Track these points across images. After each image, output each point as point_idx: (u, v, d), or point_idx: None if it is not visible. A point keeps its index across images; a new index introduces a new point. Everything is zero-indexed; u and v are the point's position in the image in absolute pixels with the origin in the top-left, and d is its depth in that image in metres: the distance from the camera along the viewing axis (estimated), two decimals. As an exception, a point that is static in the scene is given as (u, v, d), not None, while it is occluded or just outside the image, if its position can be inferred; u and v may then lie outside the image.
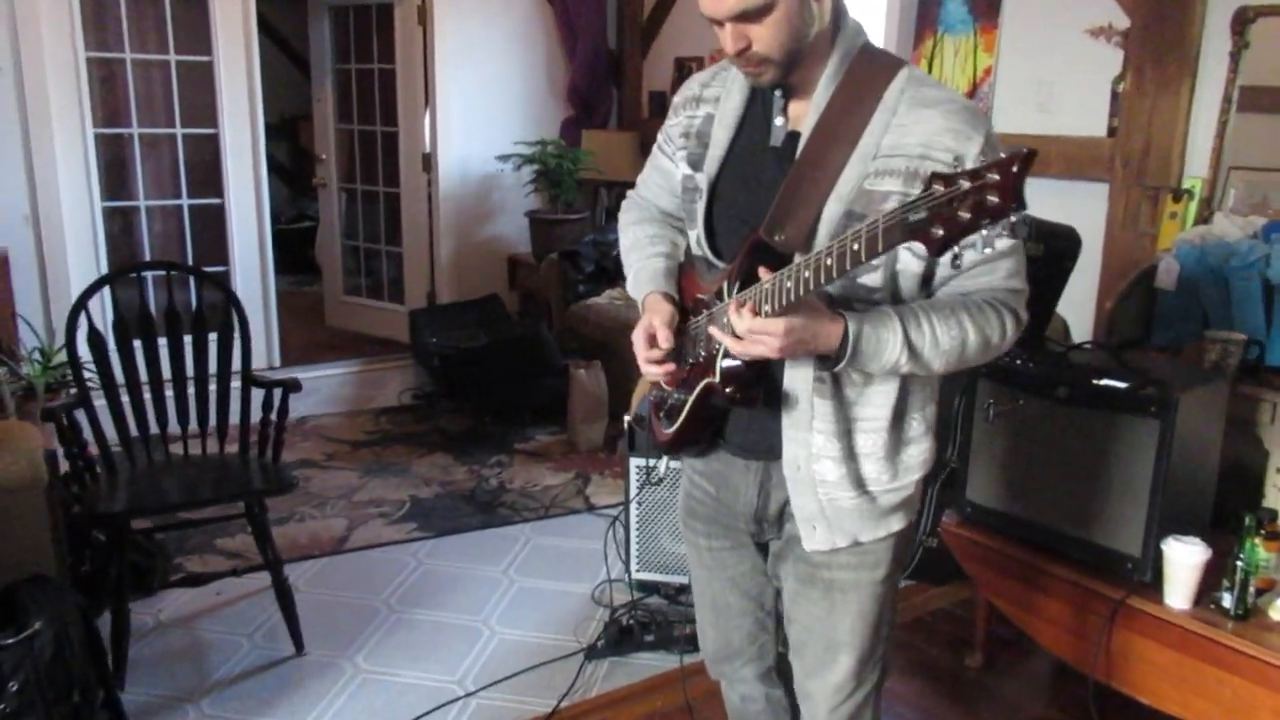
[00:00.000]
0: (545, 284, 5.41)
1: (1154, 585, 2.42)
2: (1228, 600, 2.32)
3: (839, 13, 1.51)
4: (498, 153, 5.63)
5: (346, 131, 6.02)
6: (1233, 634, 2.27)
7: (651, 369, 1.62)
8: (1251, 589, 2.31)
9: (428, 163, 5.63)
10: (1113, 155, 3.60)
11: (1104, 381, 2.53)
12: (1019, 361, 2.71)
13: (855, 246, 1.23)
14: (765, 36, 1.42)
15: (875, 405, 1.55)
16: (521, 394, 4.86)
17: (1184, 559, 2.35)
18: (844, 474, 1.55)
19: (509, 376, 4.85)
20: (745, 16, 1.41)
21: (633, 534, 3.23)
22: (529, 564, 3.55)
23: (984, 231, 1.10)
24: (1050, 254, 2.89)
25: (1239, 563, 2.31)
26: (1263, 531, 2.38)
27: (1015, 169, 1.06)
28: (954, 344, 1.44)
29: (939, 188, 1.12)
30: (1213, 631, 2.30)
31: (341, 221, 6.16)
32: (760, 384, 1.52)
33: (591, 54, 5.85)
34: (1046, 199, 3.72)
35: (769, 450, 1.60)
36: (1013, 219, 1.08)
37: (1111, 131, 3.64)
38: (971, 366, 1.51)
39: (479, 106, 5.66)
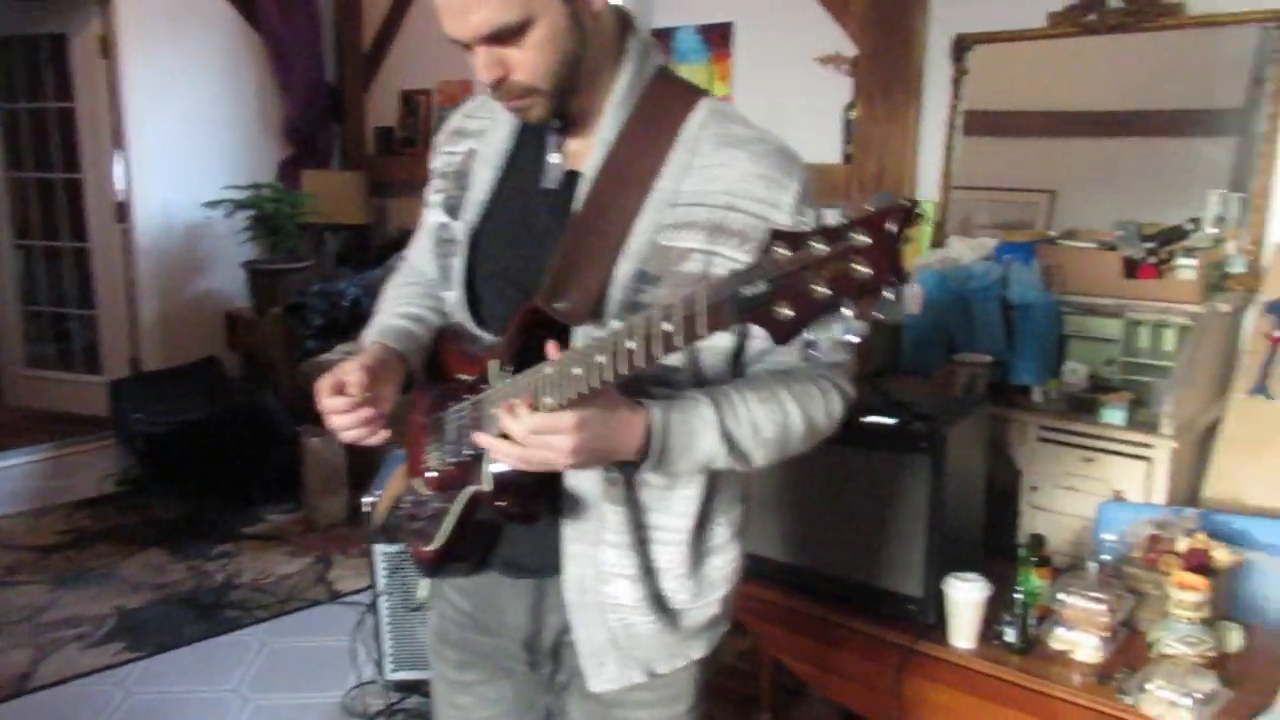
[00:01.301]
0: (269, 341, 4.89)
1: (939, 627, 2.34)
2: (1010, 634, 2.26)
3: (625, 26, 1.23)
4: (205, 198, 5.04)
5: (18, 180, 5.24)
6: (1017, 669, 2.21)
7: (337, 421, 1.24)
8: (1031, 620, 2.27)
9: (122, 212, 4.99)
10: (849, 181, 3.61)
11: (872, 419, 2.43)
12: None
13: (666, 328, 0.94)
14: (526, 62, 1.14)
15: (677, 512, 1.28)
16: (247, 470, 4.31)
17: (965, 597, 2.28)
18: (643, 595, 1.27)
19: (231, 451, 4.29)
20: (498, 38, 1.12)
21: (384, 627, 2.85)
22: (266, 675, 3.07)
23: (847, 311, 0.83)
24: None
25: (1017, 594, 2.26)
26: (1035, 559, 2.36)
27: (892, 228, 0.81)
28: (777, 431, 1.20)
29: (783, 252, 0.85)
30: (998, 669, 2.24)
31: (19, 283, 5.34)
32: (543, 494, 1.22)
33: (307, 87, 5.39)
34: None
35: (544, 567, 1.30)
36: (889, 295, 0.82)
37: (847, 158, 3.66)
38: (794, 455, 1.26)
39: (180, 147, 5.07)
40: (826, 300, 0.83)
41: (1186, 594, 2.14)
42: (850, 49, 3.58)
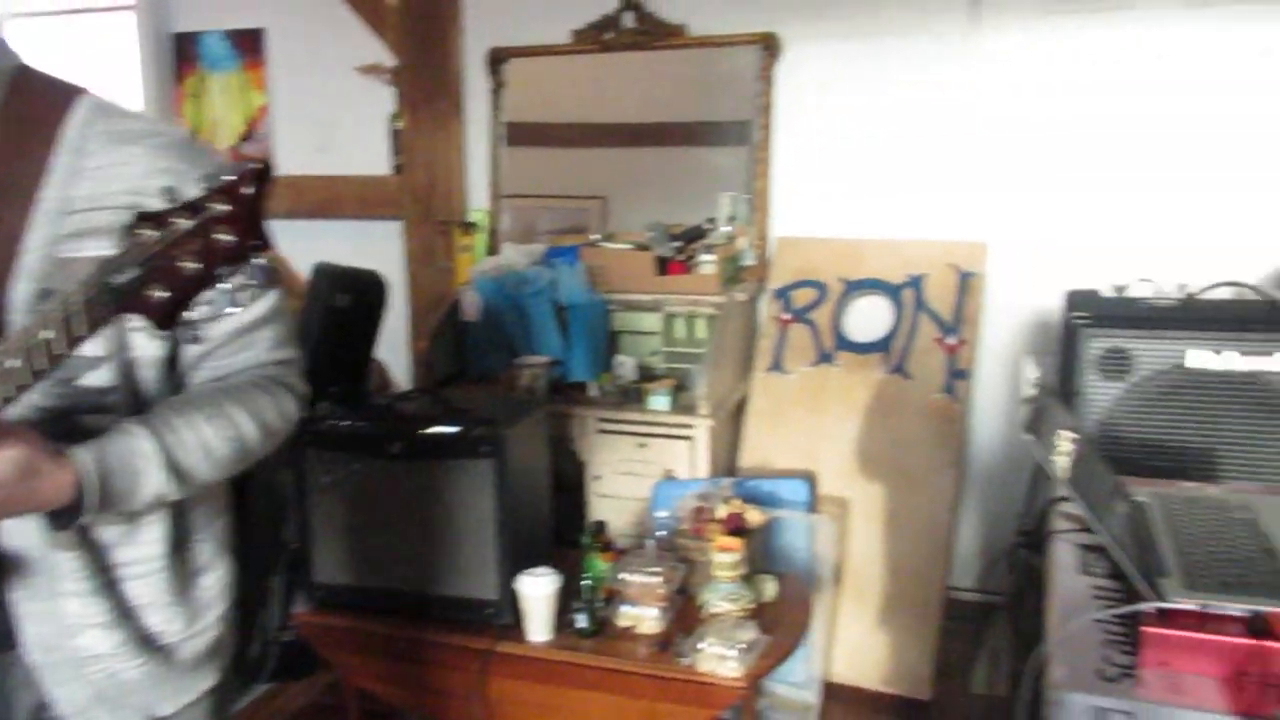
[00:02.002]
0: None
1: (517, 625, 2.39)
2: (582, 620, 2.36)
3: None
4: None
5: None
6: (591, 652, 2.31)
7: None
8: (599, 603, 2.38)
9: None
10: (401, 193, 3.57)
11: (434, 430, 2.42)
12: (345, 422, 2.49)
13: (48, 335, 0.87)
14: None
15: (146, 541, 1.16)
16: None
17: (536, 592, 2.34)
18: (122, 640, 1.15)
19: None
20: None
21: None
22: None
23: (225, 285, 0.84)
24: (360, 302, 2.73)
25: (585, 581, 2.37)
26: (598, 544, 2.48)
27: (248, 191, 0.83)
28: (230, 446, 1.13)
29: (148, 233, 0.83)
30: (573, 655, 2.32)
31: None
32: None
33: None
34: (340, 242, 3.60)
35: None
36: (256, 261, 0.84)
37: (398, 169, 3.62)
38: (256, 460, 1.21)
39: None
40: (197, 274, 0.84)
41: (725, 555, 2.36)
42: (390, 59, 3.55)
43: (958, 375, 2.94)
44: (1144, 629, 1.11)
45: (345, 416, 2.50)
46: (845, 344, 3.08)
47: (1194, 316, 2.13)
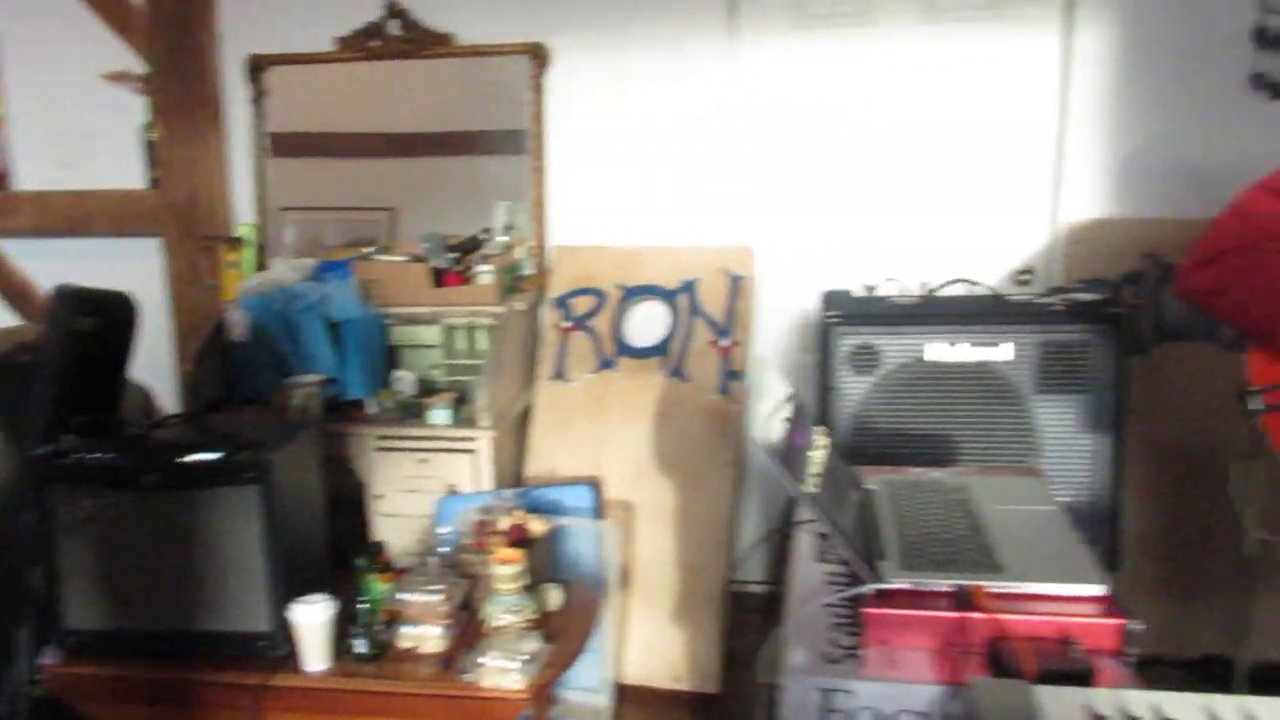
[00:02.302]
0: None
1: (292, 656, 2.29)
2: (361, 645, 2.29)
3: None
4: None
5: None
6: (372, 677, 2.25)
7: None
8: (379, 626, 2.32)
9: None
10: (159, 208, 3.37)
11: (194, 457, 2.29)
12: (94, 455, 2.32)
13: None
14: None
15: None
16: None
17: (310, 620, 2.25)
18: None
19: None
20: None
21: None
22: None
23: None
24: (106, 326, 2.55)
25: (362, 604, 2.30)
26: (376, 565, 2.42)
27: None
28: None
29: None
30: (353, 682, 2.25)
31: None
32: None
33: None
34: (94, 261, 3.37)
35: None
36: None
37: (154, 183, 3.41)
38: None
39: None
40: None
41: (506, 568, 2.34)
42: (139, 65, 3.34)
43: (732, 376, 3.04)
44: (864, 610, 1.18)
45: (94, 448, 2.33)
46: (625, 349, 3.13)
47: (931, 313, 2.29)
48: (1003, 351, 2.20)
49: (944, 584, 1.19)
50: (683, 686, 2.95)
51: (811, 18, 3.04)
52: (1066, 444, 2.22)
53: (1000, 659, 1.10)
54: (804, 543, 1.46)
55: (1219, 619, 2.73)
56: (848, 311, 2.32)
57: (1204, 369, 2.87)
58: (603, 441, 3.09)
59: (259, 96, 3.31)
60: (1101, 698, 0.96)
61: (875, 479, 1.56)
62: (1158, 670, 2.92)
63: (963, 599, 1.16)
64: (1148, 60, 2.87)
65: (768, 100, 3.11)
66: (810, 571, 1.37)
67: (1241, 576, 2.60)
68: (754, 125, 3.13)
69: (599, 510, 3.00)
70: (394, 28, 3.16)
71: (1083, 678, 1.07)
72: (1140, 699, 0.95)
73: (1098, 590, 1.16)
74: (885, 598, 1.19)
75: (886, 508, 1.42)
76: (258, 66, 3.29)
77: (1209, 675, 2.75)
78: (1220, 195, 2.87)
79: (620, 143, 3.18)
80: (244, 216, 3.41)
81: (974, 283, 2.52)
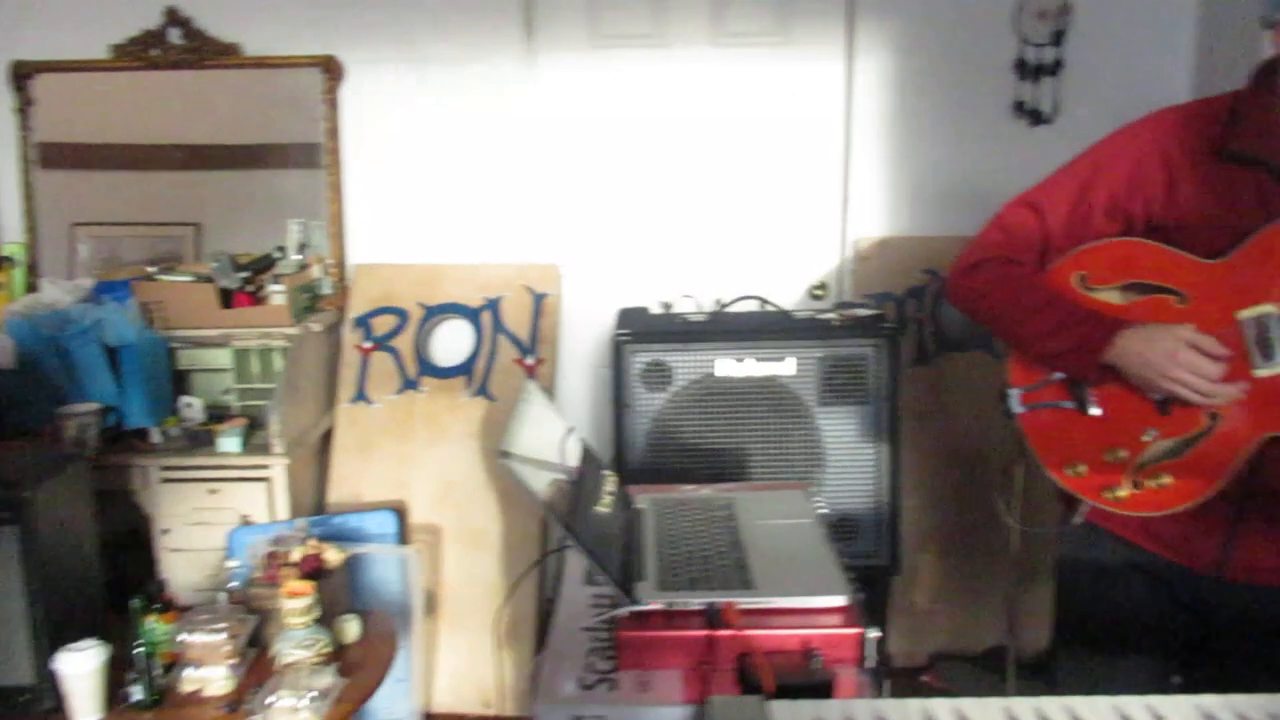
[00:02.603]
0: None
1: (59, 709, 2.12)
2: (138, 692, 2.15)
3: None
4: None
5: None
6: (150, 726, 2.12)
7: None
8: (158, 670, 2.19)
9: None
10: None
11: (-62, 499, 2.10)
12: None
13: None
14: None
15: None
16: None
17: (77, 669, 2.10)
18: None
19: None
20: None
21: None
22: None
23: None
24: None
25: (139, 648, 2.16)
26: (156, 605, 2.28)
27: None
28: None
29: None
30: (129, 732, 2.11)
31: None
32: None
33: None
34: None
35: None
36: None
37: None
38: None
39: None
40: None
41: (296, 601, 2.25)
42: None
43: (538, 393, 3.03)
44: (618, 634, 1.19)
45: None
46: (429, 369, 3.08)
47: (721, 329, 2.35)
48: (787, 366, 2.27)
49: (696, 603, 1.21)
50: (493, 712, 2.91)
51: (607, 37, 3.07)
52: (849, 453, 2.31)
53: (746, 675, 1.12)
54: (574, 565, 1.46)
55: (1003, 613, 2.90)
56: (639, 329, 2.35)
57: (981, 377, 3.06)
58: (408, 464, 3.02)
59: (25, 106, 3.08)
60: (831, 709, 0.99)
61: (644, 498, 1.57)
62: (949, 665, 3.08)
63: (713, 617, 1.18)
64: (922, 88, 3.03)
65: (566, 117, 3.12)
66: (577, 594, 1.36)
67: (1012, 571, 2.77)
68: (553, 142, 3.13)
69: (403, 535, 2.93)
70: (175, 36, 3.00)
71: (822, 689, 1.11)
72: (864, 707, 0.98)
73: (839, 601, 1.21)
74: (640, 619, 1.20)
75: (651, 527, 1.44)
76: (23, 74, 3.06)
77: (997, 668, 2.91)
78: (993, 213, 3.08)
79: (420, 158, 3.12)
80: (11, 235, 3.16)
81: (763, 299, 2.59)
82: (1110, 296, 1.52)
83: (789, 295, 3.16)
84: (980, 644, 3.06)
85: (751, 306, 2.59)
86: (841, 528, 2.34)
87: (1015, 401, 1.62)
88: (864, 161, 3.09)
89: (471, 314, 3.09)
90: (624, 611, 1.20)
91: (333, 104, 3.06)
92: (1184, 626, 1.57)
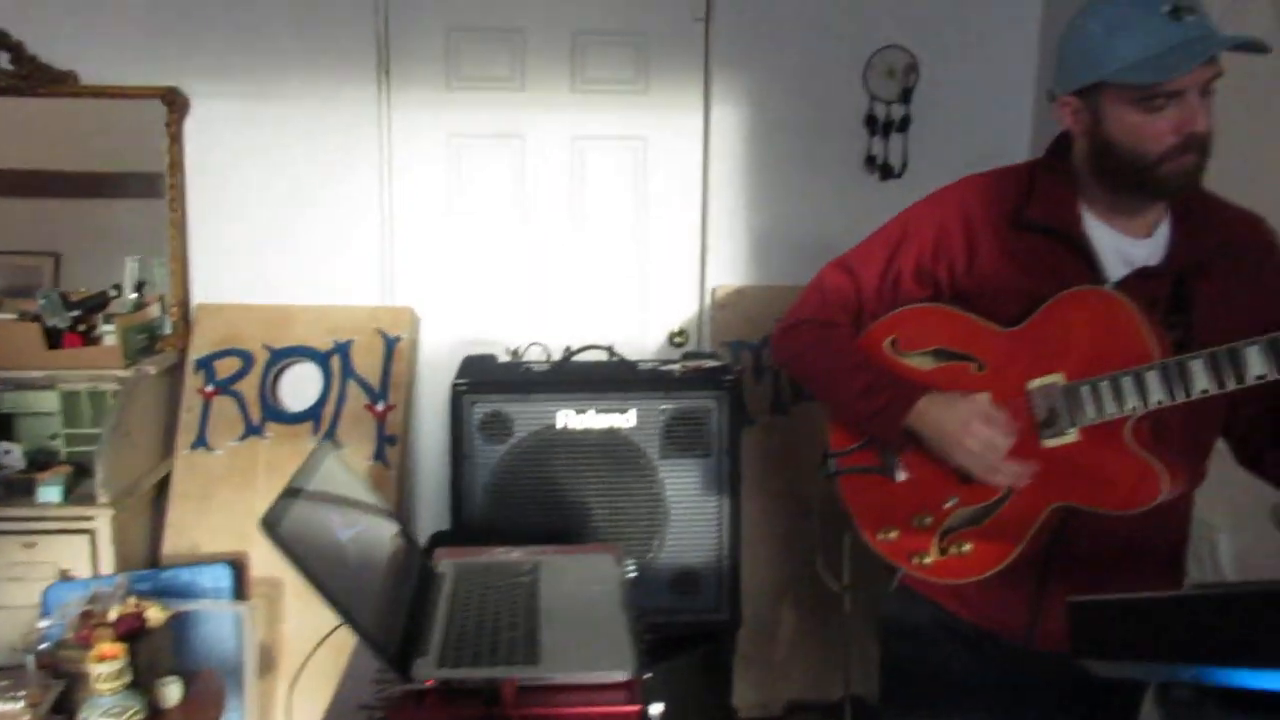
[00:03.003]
0: None
1: None
2: (-80, 768, 1.98)
3: None
4: None
5: None
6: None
7: None
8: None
9: None
10: None
11: None
12: None
13: None
14: None
15: None
16: None
17: None
18: None
19: None
20: None
21: None
22: None
23: None
24: None
25: (-77, 721, 1.99)
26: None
27: None
28: None
29: None
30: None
31: None
32: None
33: None
34: None
35: None
36: None
37: None
38: None
39: None
40: None
41: (105, 665, 2.11)
42: None
43: (388, 441, 2.94)
44: (388, 715, 1.12)
45: None
46: (274, 415, 2.96)
47: (563, 380, 2.31)
48: (628, 418, 2.24)
49: (476, 679, 1.15)
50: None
51: (465, 79, 3.03)
52: (691, 507, 2.29)
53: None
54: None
55: (854, 662, 2.91)
56: (478, 379, 2.29)
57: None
58: (250, 514, 2.86)
59: None
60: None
61: (447, 563, 1.51)
62: (804, 715, 3.08)
63: (491, 696, 1.12)
64: (778, 141, 3.08)
65: (421, 158, 3.06)
66: (366, 667, 1.29)
67: (844, 628, 2.79)
68: (408, 182, 3.07)
69: (241, 590, 2.79)
70: (3, 61, 2.85)
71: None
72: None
73: (623, 676, 1.17)
74: (416, 699, 1.14)
75: (446, 595, 1.38)
76: None
77: (856, 717, 2.91)
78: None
79: (269, 196, 3.02)
80: None
81: (610, 349, 2.57)
82: (919, 361, 1.53)
83: (651, 342, 3.15)
84: (836, 693, 3.06)
85: (600, 356, 2.57)
86: (683, 583, 2.31)
87: (833, 464, 1.62)
88: (722, 210, 3.11)
89: (320, 357, 2.99)
90: (396, 691, 1.14)
91: (176, 137, 2.94)
92: (999, 691, 1.57)
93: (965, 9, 3.05)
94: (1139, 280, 1.39)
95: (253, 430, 2.94)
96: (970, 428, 1.40)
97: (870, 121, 3.03)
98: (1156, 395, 1.31)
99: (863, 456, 1.58)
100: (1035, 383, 1.41)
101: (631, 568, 1.49)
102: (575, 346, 2.58)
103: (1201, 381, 1.28)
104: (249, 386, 2.97)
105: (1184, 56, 1.25)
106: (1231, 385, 1.26)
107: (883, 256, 1.57)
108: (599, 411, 2.24)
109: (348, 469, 1.48)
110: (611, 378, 2.33)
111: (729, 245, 3.12)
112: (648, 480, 2.28)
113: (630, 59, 3.05)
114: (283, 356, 2.99)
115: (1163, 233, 1.43)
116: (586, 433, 2.26)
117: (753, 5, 3.02)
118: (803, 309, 1.66)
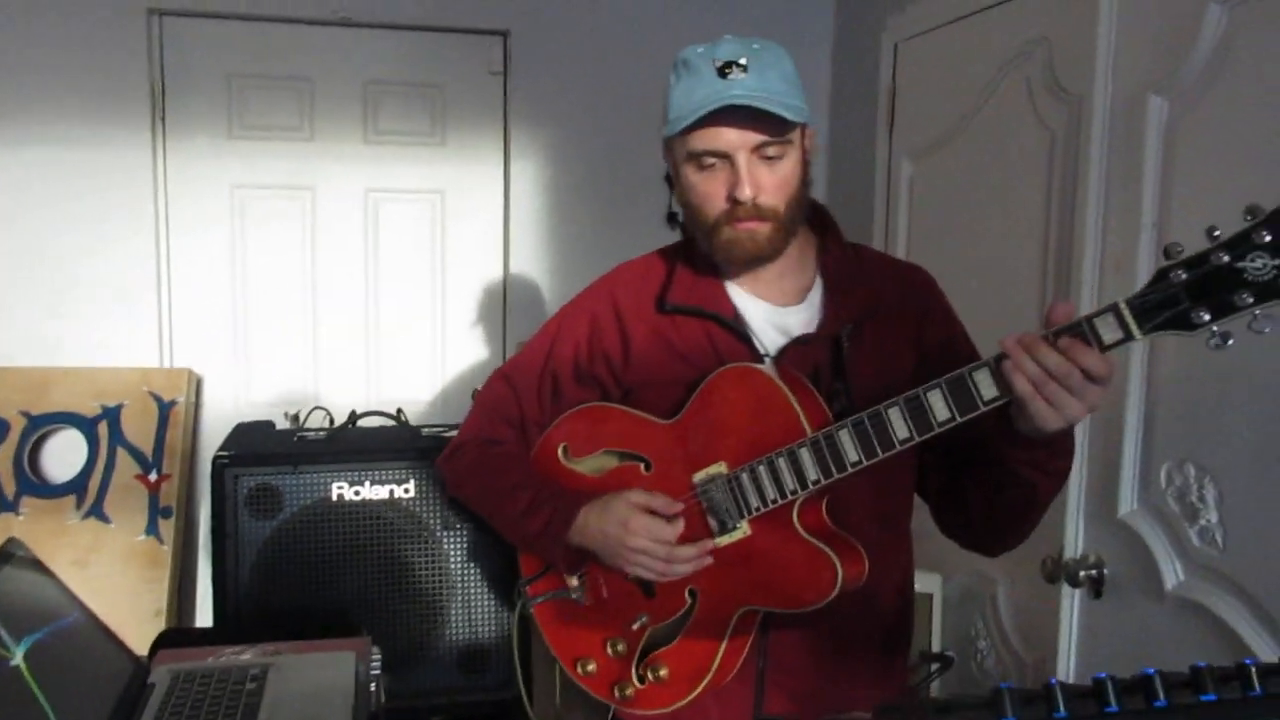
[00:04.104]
0: None
1: None
2: None
3: None
4: None
5: None
6: None
7: None
8: None
9: None
10: None
11: None
12: None
13: None
14: None
15: None
16: None
17: None
18: None
19: None
20: None
21: None
22: None
23: None
24: None
25: None
26: None
27: None
28: None
29: None
30: None
31: None
32: None
33: None
34: None
35: None
36: None
37: None
38: None
39: None
40: None
41: None
42: None
43: (162, 514, 2.72)
44: None
45: None
46: (31, 488, 2.70)
47: (340, 449, 2.17)
48: (408, 488, 2.13)
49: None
50: None
51: (250, 128, 2.87)
52: (478, 580, 2.18)
53: None
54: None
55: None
56: (244, 449, 2.13)
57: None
58: (0, 599, 2.61)
59: None
60: None
61: (164, 669, 1.36)
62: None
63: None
64: (580, 197, 3.05)
65: (201, 209, 2.87)
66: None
67: None
68: (186, 236, 2.87)
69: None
70: None
71: None
72: None
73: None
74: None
75: (154, 708, 1.24)
76: None
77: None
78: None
79: (27, 247, 2.77)
80: None
81: (394, 415, 2.44)
82: (590, 466, 1.42)
83: (452, 403, 3.04)
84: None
85: (386, 422, 2.44)
86: (472, 659, 2.20)
87: (523, 593, 1.50)
88: (525, 266, 3.05)
89: (86, 424, 2.75)
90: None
91: (-84, 184, 2.67)
92: None
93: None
94: (797, 349, 1.32)
95: (5, 506, 2.67)
96: (630, 524, 1.29)
97: (669, 179, 3.02)
98: (812, 474, 1.20)
99: (549, 582, 1.47)
100: (699, 475, 1.31)
101: (377, 661, 1.38)
102: (361, 411, 2.45)
103: (851, 452, 1.18)
104: (2, 458, 2.70)
105: (708, 109, 1.21)
106: (881, 453, 1.16)
107: (539, 359, 1.48)
108: (375, 482, 2.12)
109: (36, 567, 1.32)
110: (391, 445, 2.20)
111: (533, 302, 3.06)
112: (431, 553, 2.15)
113: (426, 110, 2.96)
114: (43, 423, 2.74)
115: (815, 298, 1.37)
116: (365, 504, 2.12)
117: (550, 61, 2.99)
118: (466, 429, 1.55)
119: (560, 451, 1.46)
